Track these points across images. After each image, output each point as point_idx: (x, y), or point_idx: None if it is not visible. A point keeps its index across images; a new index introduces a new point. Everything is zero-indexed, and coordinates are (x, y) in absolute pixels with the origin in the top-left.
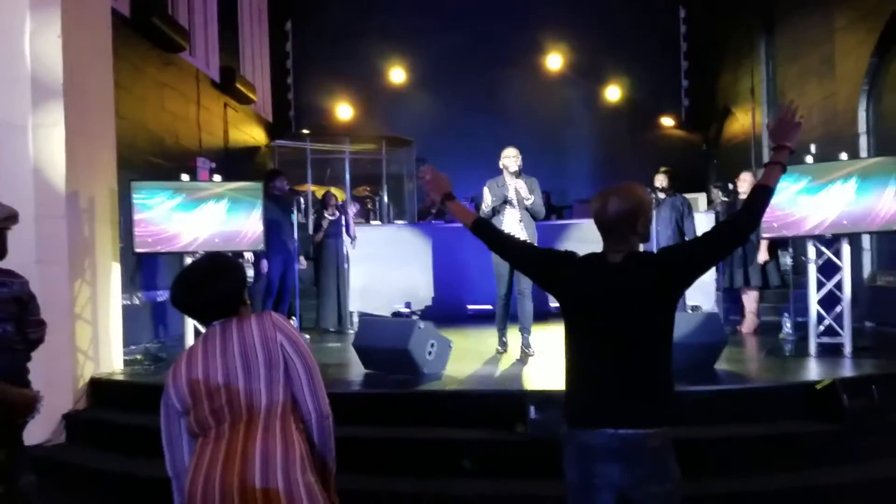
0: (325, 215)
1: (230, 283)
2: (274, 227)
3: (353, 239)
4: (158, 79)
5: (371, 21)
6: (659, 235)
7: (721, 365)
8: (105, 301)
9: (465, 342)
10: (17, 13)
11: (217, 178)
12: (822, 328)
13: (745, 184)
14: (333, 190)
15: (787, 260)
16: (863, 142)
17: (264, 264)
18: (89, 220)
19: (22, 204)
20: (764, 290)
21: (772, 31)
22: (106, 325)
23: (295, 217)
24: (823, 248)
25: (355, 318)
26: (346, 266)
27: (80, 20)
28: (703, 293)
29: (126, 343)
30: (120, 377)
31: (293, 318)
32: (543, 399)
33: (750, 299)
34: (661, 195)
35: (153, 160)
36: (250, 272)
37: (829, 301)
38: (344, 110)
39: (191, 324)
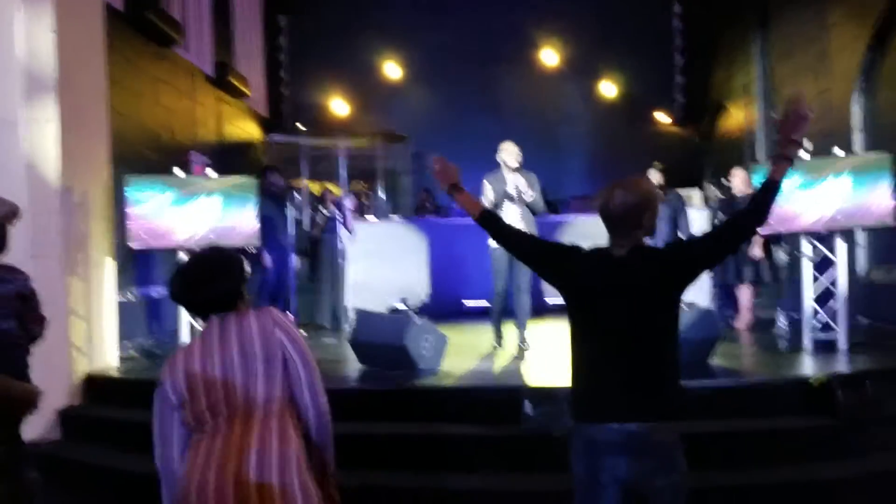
0: (322, 211)
1: (230, 279)
2: (269, 223)
3: (350, 231)
4: (152, 73)
5: (366, 16)
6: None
7: (716, 360)
8: (99, 297)
9: (462, 338)
10: (10, 7)
11: (211, 172)
12: (816, 324)
13: (737, 180)
14: (329, 186)
15: (781, 256)
16: (857, 138)
17: (267, 258)
18: (83, 216)
19: (15, 199)
20: (758, 286)
21: (766, 26)
22: (100, 320)
23: (290, 213)
24: (818, 244)
25: (351, 314)
26: (341, 262)
27: (73, 14)
28: (697, 289)
29: (121, 339)
30: (115, 373)
31: (287, 313)
32: (539, 394)
33: (744, 295)
34: None
35: (147, 155)
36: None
37: (824, 297)
38: (339, 105)
39: (185, 320)
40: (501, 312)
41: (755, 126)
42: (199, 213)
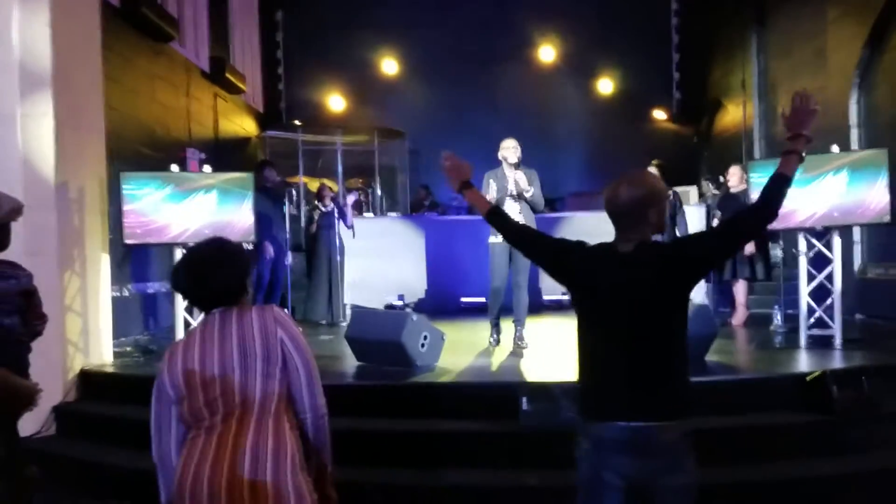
0: (320, 207)
1: (234, 270)
2: (264, 220)
3: (349, 227)
4: (148, 69)
5: (363, 11)
6: None
7: (712, 357)
8: (95, 292)
9: (459, 334)
10: (5, 2)
11: (207, 168)
12: (812, 320)
13: (734, 177)
14: (327, 182)
15: (777, 252)
16: (854, 134)
17: (269, 249)
18: (79, 211)
19: (10, 194)
20: (754, 283)
21: (764, 23)
22: (96, 316)
23: (287, 209)
24: (814, 241)
25: (348, 311)
26: (338, 258)
27: (68, 10)
28: None
29: (116, 335)
30: (110, 369)
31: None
32: (536, 390)
33: (740, 291)
34: None
35: (143, 151)
36: None
37: (820, 293)
38: (336, 101)
39: (181, 316)
40: (499, 309)
41: (752, 123)
42: (195, 209)
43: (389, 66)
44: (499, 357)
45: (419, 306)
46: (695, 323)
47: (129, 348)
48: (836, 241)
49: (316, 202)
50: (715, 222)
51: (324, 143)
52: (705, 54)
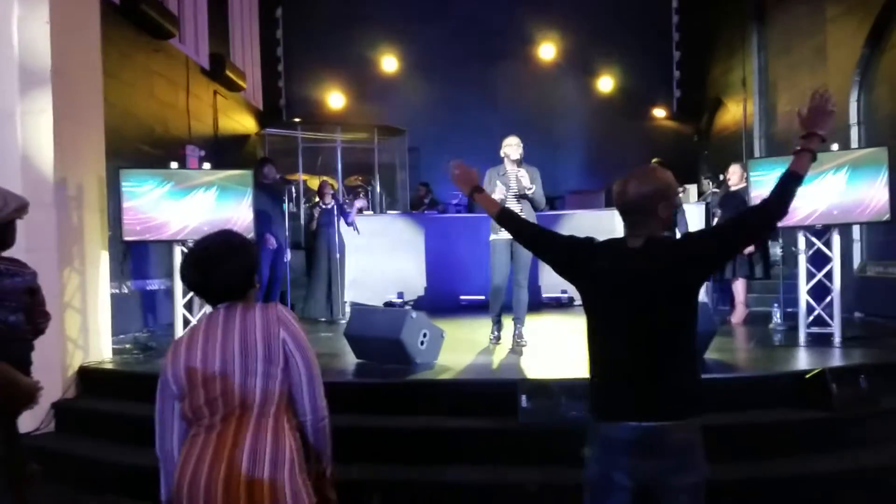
0: (321, 205)
1: (242, 264)
2: (263, 217)
3: (350, 224)
4: (147, 66)
5: (363, 8)
6: None
7: (711, 354)
8: (94, 289)
9: (458, 332)
10: None
11: (206, 166)
12: (811, 318)
13: (735, 176)
14: (327, 179)
15: (776, 251)
16: (854, 133)
17: (271, 240)
18: (77, 208)
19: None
20: (753, 281)
21: (764, 21)
22: (95, 313)
23: (286, 206)
24: (814, 239)
25: (347, 308)
26: (338, 256)
27: (68, 6)
28: None
29: (115, 332)
30: (109, 366)
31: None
32: (535, 388)
33: (739, 290)
34: None
35: (142, 148)
36: None
37: (819, 291)
38: (335, 98)
39: (180, 313)
40: (500, 306)
41: (752, 121)
42: (194, 207)
43: (389, 63)
44: (498, 355)
45: (418, 304)
46: None
47: (128, 345)
48: (836, 240)
49: (316, 199)
50: (715, 221)
51: (323, 140)
52: (705, 52)
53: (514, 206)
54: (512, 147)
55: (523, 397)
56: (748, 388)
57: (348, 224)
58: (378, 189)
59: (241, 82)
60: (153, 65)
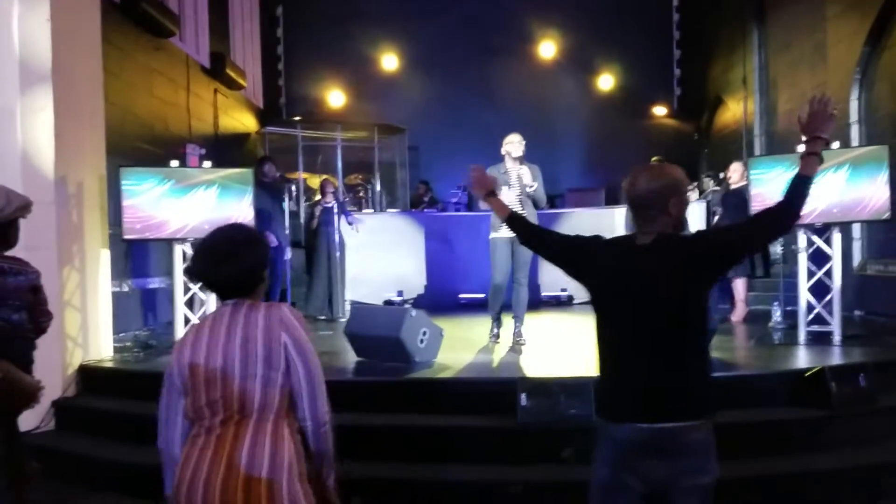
0: (321, 203)
1: (252, 257)
2: (263, 216)
3: (351, 224)
4: (148, 64)
5: (363, 7)
6: None
7: (711, 353)
8: (94, 288)
9: (458, 331)
10: None
11: (207, 164)
12: (811, 317)
13: (736, 174)
14: (328, 177)
15: (776, 249)
16: (854, 131)
17: (271, 237)
18: (78, 206)
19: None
20: (754, 279)
21: (764, 19)
22: (95, 311)
23: (286, 205)
24: (814, 237)
25: (348, 307)
26: (337, 254)
27: (68, 4)
28: None
29: (115, 330)
30: (109, 364)
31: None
32: (535, 387)
33: (739, 288)
34: None
35: (142, 146)
36: None
37: (819, 289)
38: (335, 97)
39: (181, 311)
40: (499, 305)
41: (752, 119)
42: (195, 205)
43: (389, 61)
44: (497, 353)
45: (418, 302)
46: None
47: (128, 344)
48: (836, 238)
49: (317, 198)
50: (715, 219)
51: (323, 138)
52: (706, 50)
53: (514, 204)
54: (513, 144)
55: (523, 396)
56: (748, 387)
57: (349, 223)
58: (378, 187)
59: (241, 81)
60: (153, 63)
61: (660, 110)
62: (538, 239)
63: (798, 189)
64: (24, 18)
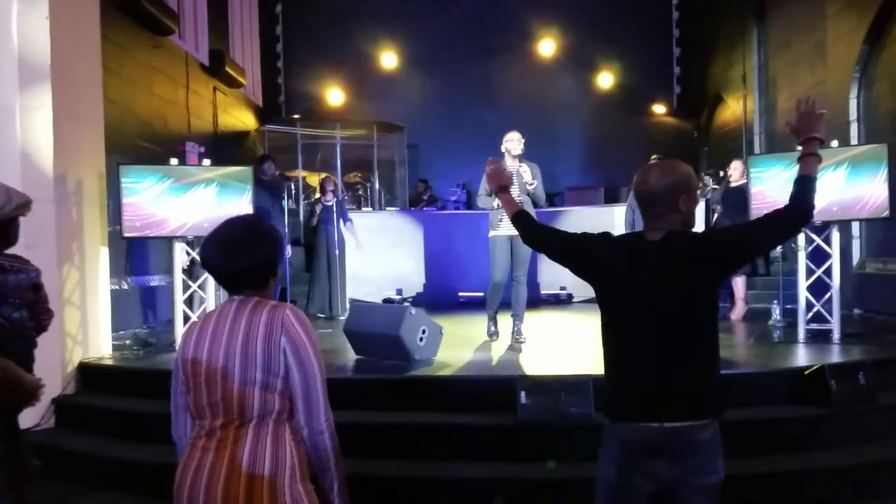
0: (322, 201)
1: (265, 250)
2: (263, 214)
3: (347, 225)
4: (147, 62)
5: (362, 5)
6: None
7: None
8: (94, 285)
9: (457, 329)
10: None
11: (206, 162)
12: (810, 315)
13: (736, 172)
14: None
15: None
16: (853, 129)
17: None
18: (77, 204)
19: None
20: (753, 278)
21: (763, 18)
22: (94, 309)
23: (285, 203)
24: (813, 236)
25: (349, 305)
26: (337, 252)
27: (67, 2)
28: None
29: (115, 328)
30: (109, 362)
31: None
32: (534, 385)
33: (739, 286)
34: None
35: (141, 144)
36: None
37: (819, 288)
38: (335, 95)
39: (180, 309)
40: (497, 303)
41: (752, 117)
42: (194, 203)
43: (389, 59)
44: (497, 351)
45: (417, 300)
46: None
47: (127, 341)
48: (835, 236)
49: (317, 195)
50: (715, 217)
51: (323, 137)
52: (705, 49)
53: None
54: (513, 142)
55: (522, 394)
56: (747, 385)
57: (345, 223)
58: (377, 186)
59: (240, 79)
60: (153, 61)
61: (659, 108)
62: (542, 237)
63: (804, 189)
64: (24, 16)
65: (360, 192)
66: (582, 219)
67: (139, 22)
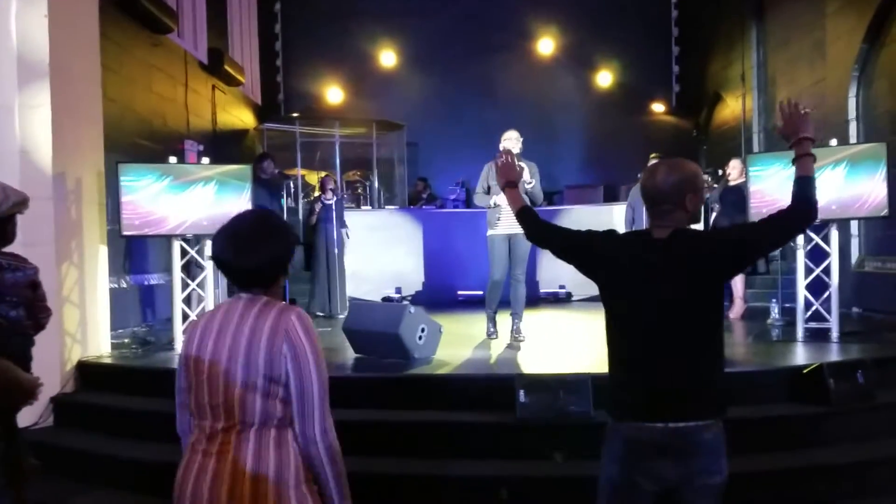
0: (322, 199)
1: (278, 246)
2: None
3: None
4: (146, 60)
5: (361, 3)
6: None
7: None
8: (92, 284)
9: (456, 327)
10: None
11: (205, 160)
12: (809, 313)
13: (735, 170)
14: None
15: None
16: (852, 128)
17: None
18: (76, 202)
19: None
20: (752, 276)
21: (762, 16)
22: (93, 308)
23: (284, 201)
24: (812, 234)
25: (347, 303)
26: (336, 251)
27: (66, 0)
28: None
29: (113, 326)
30: (107, 360)
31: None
32: (533, 383)
33: (738, 284)
34: None
35: (140, 142)
36: None
37: (817, 286)
38: (334, 93)
39: (179, 308)
40: (496, 302)
41: (751, 116)
42: (193, 201)
43: (388, 57)
44: (496, 350)
45: (416, 299)
46: None
47: (126, 340)
48: (834, 235)
49: (317, 194)
50: (713, 215)
51: (322, 135)
52: (704, 47)
53: None
54: (511, 141)
55: (521, 392)
56: (746, 383)
57: (340, 226)
58: (376, 184)
59: (239, 77)
60: (152, 59)
61: (658, 107)
62: (546, 234)
63: (804, 189)
64: (22, 15)
65: (360, 191)
66: (581, 217)
67: (138, 20)
